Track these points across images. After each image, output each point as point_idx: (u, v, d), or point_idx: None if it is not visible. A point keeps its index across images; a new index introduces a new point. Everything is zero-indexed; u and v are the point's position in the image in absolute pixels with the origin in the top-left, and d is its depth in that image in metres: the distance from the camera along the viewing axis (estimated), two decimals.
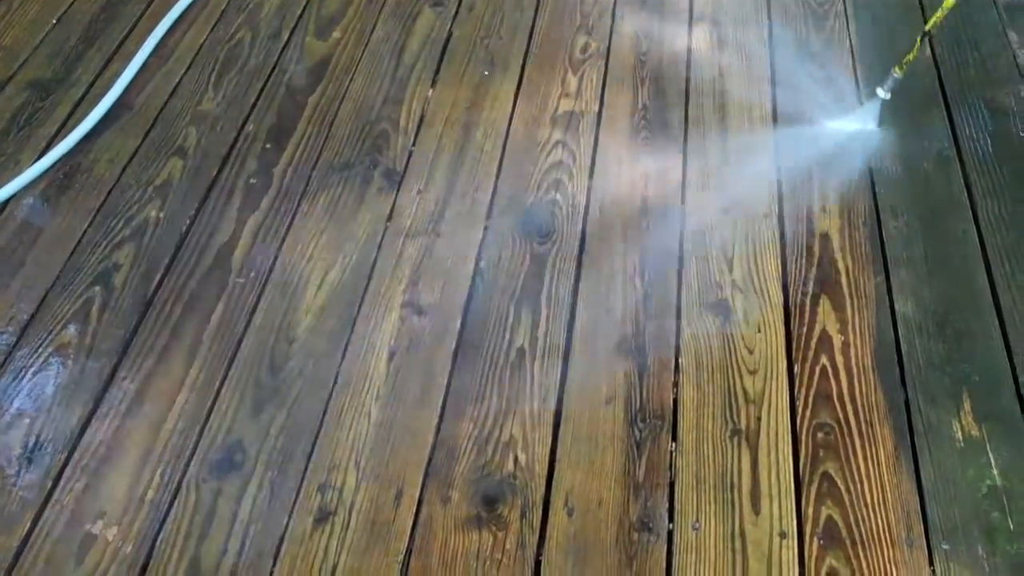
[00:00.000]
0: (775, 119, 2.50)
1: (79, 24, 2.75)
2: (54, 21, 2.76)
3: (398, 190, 2.31)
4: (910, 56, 2.30)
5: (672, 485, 1.80)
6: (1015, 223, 2.23)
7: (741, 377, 1.96)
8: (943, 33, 2.75)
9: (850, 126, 2.47)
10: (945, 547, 1.73)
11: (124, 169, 2.35)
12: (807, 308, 2.08)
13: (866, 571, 1.70)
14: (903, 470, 1.83)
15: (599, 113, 2.51)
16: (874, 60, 2.66)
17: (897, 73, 2.34)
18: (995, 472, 1.82)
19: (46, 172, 2.33)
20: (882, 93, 2.39)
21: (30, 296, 2.08)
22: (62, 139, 2.38)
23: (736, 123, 2.49)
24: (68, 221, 2.23)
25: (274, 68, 2.64)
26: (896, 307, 2.08)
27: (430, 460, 1.83)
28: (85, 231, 2.21)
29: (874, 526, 1.75)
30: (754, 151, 2.41)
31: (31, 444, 1.84)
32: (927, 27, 2.25)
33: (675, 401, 1.92)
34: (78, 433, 1.86)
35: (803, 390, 1.94)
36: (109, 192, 2.29)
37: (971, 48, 2.72)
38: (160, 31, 2.70)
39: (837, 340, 2.03)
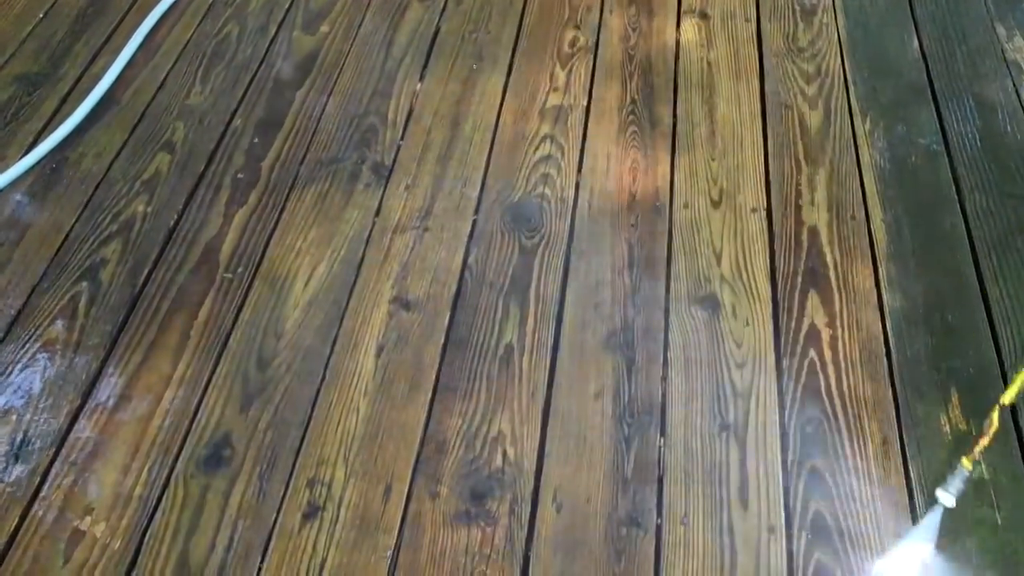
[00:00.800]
0: (764, 113, 2.49)
1: (66, 18, 2.74)
2: (41, 15, 2.74)
3: (386, 185, 2.31)
4: (985, 440, 1.79)
5: (661, 480, 1.80)
6: (1003, 217, 2.24)
7: (729, 371, 1.96)
8: (932, 27, 2.76)
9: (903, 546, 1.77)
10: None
11: (111, 164, 2.34)
12: (795, 302, 2.08)
13: (854, 565, 1.70)
14: (891, 464, 1.83)
15: (587, 107, 2.51)
16: (863, 56, 2.66)
17: (966, 466, 1.76)
18: (983, 466, 1.83)
19: (33, 167, 2.32)
20: (946, 500, 1.75)
21: (17, 292, 2.07)
22: (49, 134, 2.37)
23: (725, 117, 2.48)
24: (55, 216, 2.22)
25: (261, 62, 2.63)
26: (884, 301, 2.09)
27: (419, 455, 1.82)
28: (72, 226, 2.19)
29: (862, 520, 1.75)
30: (743, 144, 2.41)
31: (18, 440, 1.83)
32: (1005, 400, 1.84)
33: (663, 396, 1.92)
34: (66, 429, 1.85)
35: (791, 384, 1.94)
36: (96, 187, 2.28)
37: (959, 42, 2.72)
38: (147, 26, 2.69)
39: (825, 334, 2.03)
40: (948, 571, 1.71)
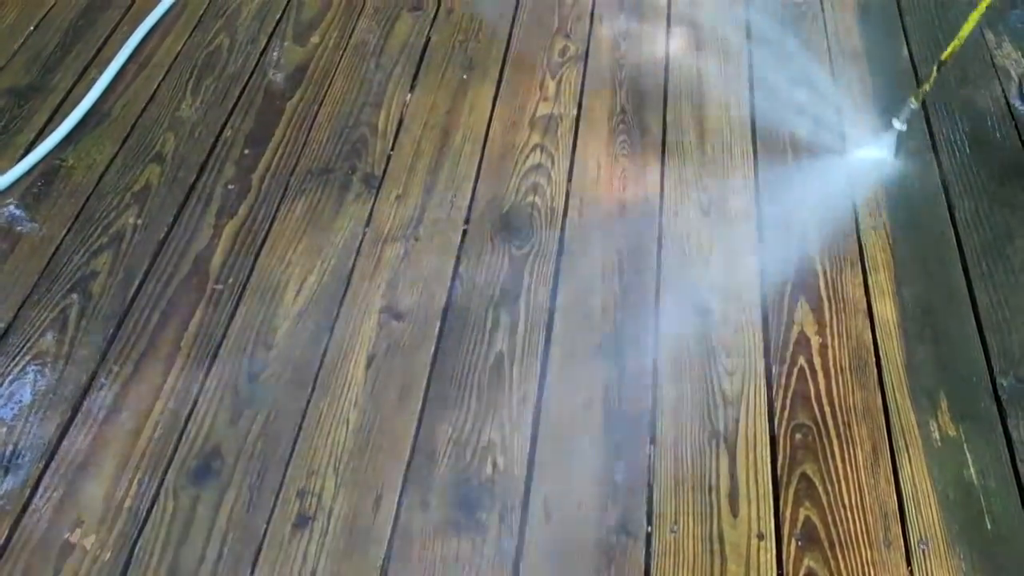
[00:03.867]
0: (753, 122, 2.50)
1: (57, 31, 2.74)
2: (32, 28, 2.75)
3: (377, 195, 2.31)
4: (926, 86, 2.26)
5: (650, 487, 1.80)
6: (992, 223, 2.25)
7: (719, 379, 1.97)
8: (920, 33, 2.77)
9: (864, 154, 2.42)
10: (923, 547, 1.73)
11: (102, 176, 2.34)
12: (785, 309, 2.09)
13: (844, 572, 1.70)
14: (881, 471, 1.83)
15: (577, 116, 2.52)
16: (852, 63, 2.67)
17: (914, 103, 2.29)
18: (972, 472, 1.83)
19: (23, 179, 2.32)
20: (898, 124, 2.33)
21: (7, 304, 2.07)
22: (40, 145, 2.37)
23: (714, 125, 2.49)
24: (46, 228, 2.22)
25: (252, 73, 2.64)
26: (874, 308, 2.09)
27: (409, 465, 1.83)
28: (63, 238, 2.20)
29: (852, 527, 1.76)
30: (733, 153, 2.42)
31: (8, 453, 1.83)
32: (943, 56, 2.19)
33: (653, 403, 1.93)
34: (56, 441, 1.85)
35: (781, 391, 1.95)
36: (87, 199, 2.28)
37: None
38: (137, 37, 2.69)
39: (815, 341, 2.03)
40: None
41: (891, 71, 2.62)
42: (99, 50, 2.69)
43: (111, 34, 2.74)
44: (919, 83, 2.40)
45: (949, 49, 2.15)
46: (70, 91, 2.56)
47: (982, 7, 2.02)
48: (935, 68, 2.20)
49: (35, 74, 2.61)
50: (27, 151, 2.38)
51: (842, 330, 2.05)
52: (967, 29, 2.11)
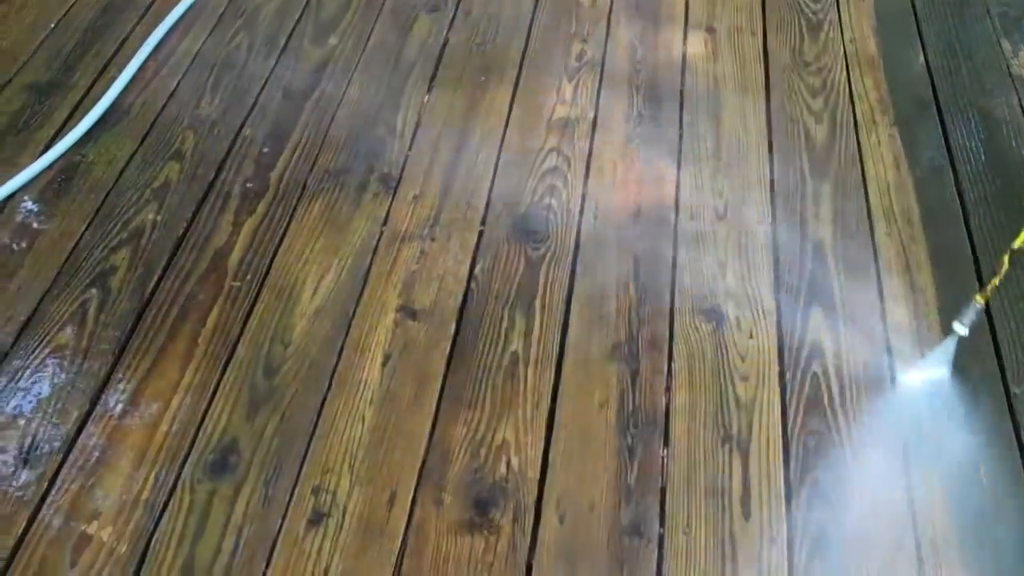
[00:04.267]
0: (769, 125, 2.51)
1: (77, 28, 2.76)
2: (52, 25, 2.76)
3: (394, 195, 2.32)
4: (995, 280, 1.86)
5: (663, 490, 1.81)
6: (1007, 231, 2.24)
7: (733, 383, 1.97)
8: (937, 41, 2.78)
9: (920, 373, 2.01)
10: (934, 556, 1.74)
11: (122, 172, 2.36)
12: (799, 315, 2.09)
13: None
14: (894, 477, 1.84)
15: (594, 120, 2.53)
16: (869, 70, 2.69)
17: (979, 302, 1.88)
18: (984, 481, 1.84)
19: (44, 174, 2.34)
20: (960, 329, 1.90)
21: (27, 298, 2.08)
22: (60, 142, 2.39)
23: (731, 130, 2.50)
24: (66, 223, 2.23)
25: (271, 73, 2.65)
26: (888, 314, 2.10)
27: (424, 463, 1.84)
28: (83, 234, 2.21)
29: (863, 534, 1.76)
30: (749, 159, 2.42)
31: (27, 445, 1.84)
32: (1016, 244, 1.84)
33: (667, 406, 1.94)
34: (74, 434, 1.86)
35: (794, 397, 1.96)
36: (107, 195, 2.30)
37: (965, 57, 2.74)
38: (157, 36, 2.71)
39: (829, 348, 2.04)
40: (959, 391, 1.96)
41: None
42: (119, 48, 2.70)
43: (131, 32, 2.75)
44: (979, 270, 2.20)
45: (1021, 237, 1.84)
46: (90, 88, 2.58)
47: None
48: (1006, 258, 1.84)
49: (55, 71, 2.63)
50: (47, 147, 2.40)
51: (856, 337, 2.06)
52: None
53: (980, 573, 1.72)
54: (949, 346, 1.94)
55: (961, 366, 1.98)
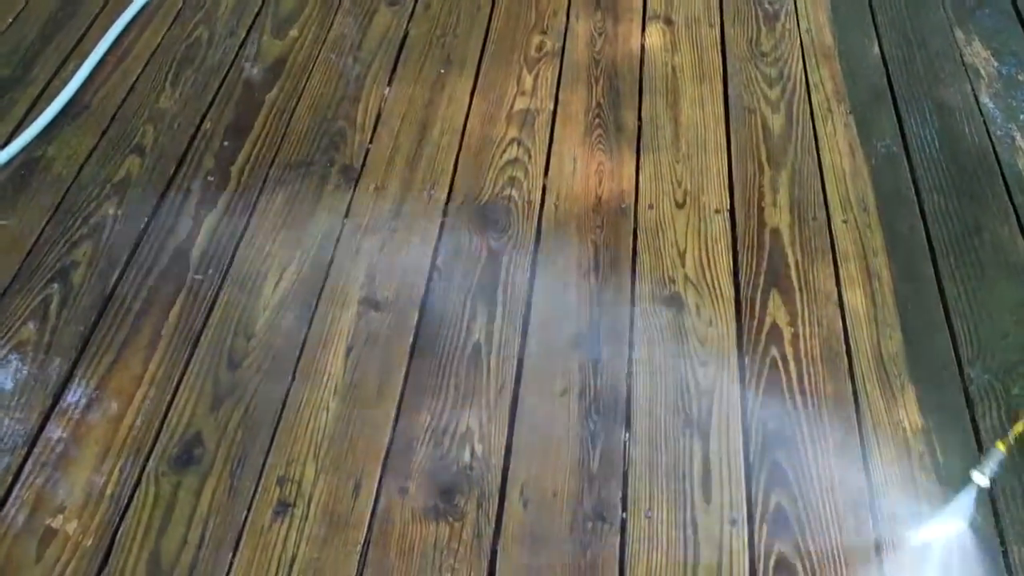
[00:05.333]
0: (727, 115, 2.54)
1: (36, 23, 2.75)
2: (11, 20, 2.75)
3: (355, 187, 2.33)
4: (1020, 426, 1.75)
5: (625, 475, 1.84)
6: (960, 217, 2.29)
7: (693, 369, 2.00)
8: (892, 31, 2.82)
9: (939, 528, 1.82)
10: (891, 534, 1.77)
11: (82, 167, 2.35)
12: (758, 301, 2.12)
13: (814, 557, 1.74)
14: (851, 459, 1.87)
15: (554, 111, 2.55)
16: (824, 60, 2.72)
17: (1000, 449, 1.73)
18: (941, 460, 1.87)
19: (3, 170, 2.33)
20: (980, 479, 1.73)
21: None
22: (19, 137, 2.38)
23: (689, 120, 2.53)
24: (26, 219, 2.23)
25: (231, 66, 2.65)
26: (845, 300, 2.13)
27: (388, 452, 1.85)
28: (43, 229, 2.21)
29: (822, 513, 1.79)
30: (707, 148, 2.45)
31: None
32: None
33: (628, 393, 1.96)
34: (37, 429, 1.86)
35: (753, 381, 1.98)
36: (67, 190, 2.29)
37: (919, 46, 2.78)
38: (116, 29, 2.70)
39: (787, 332, 2.07)
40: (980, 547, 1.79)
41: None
42: (79, 42, 2.69)
43: (90, 26, 2.74)
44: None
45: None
46: (49, 82, 2.56)
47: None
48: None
49: (14, 66, 2.61)
50: (6, 143, 2.38)
51: (813, 321, 2.09)
52: None
53: None
54: (969, 497, 1.77)
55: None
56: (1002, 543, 1.80)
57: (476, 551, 1.73)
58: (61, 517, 1.74)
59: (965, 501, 1.77)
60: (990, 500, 1.84)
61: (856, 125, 2.53)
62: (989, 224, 2.30)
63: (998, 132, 2.52)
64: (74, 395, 1.92)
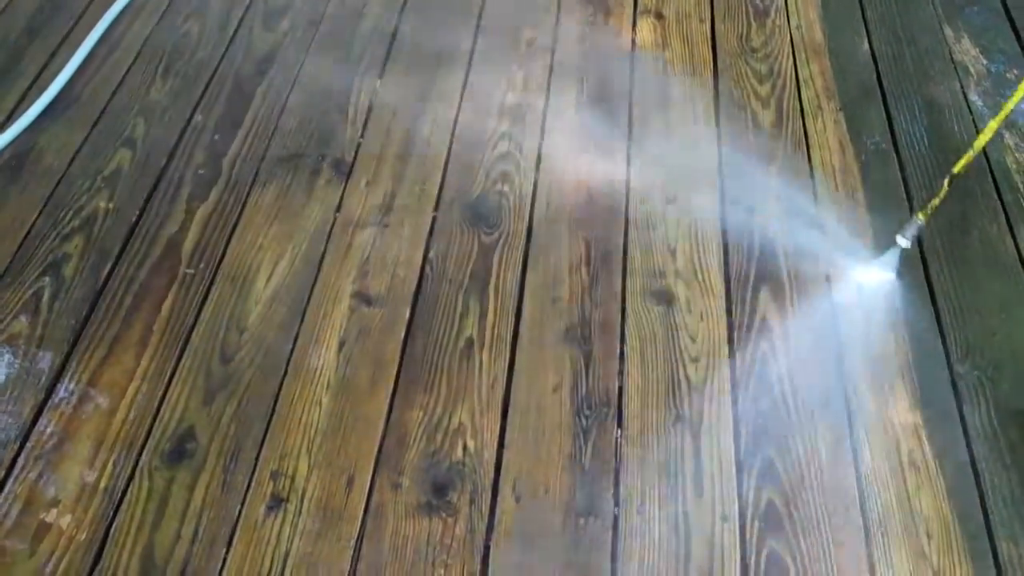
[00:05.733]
0: (717, 111, 2.55)
1: (23, 16, 2.74)
2: None
3: (347, 181, 2.33)
4: (935, 200, 2.04)
5: (617, 471, 1.84)
6: (949, 215, 2.30)
7: (684, 364, 2.01)
8: (882, 27, 2.83)
9: (864, 276, 2.21)
10: (882, 529, 1.78)
11: (72, 160, 2.35)
12: (748, 296, 2.13)
13: (805, 553, 1.75)
14: (841, 455, 1.88)
15: (545, 106, 2.55)
16: (814, 57, 2.73)
17: (920, 219, 2.08)
18: (930, 457, 1.89)
19: None
20: (903, 241, 2.12)
21: None
22: (8, 130, 2.38)
23: (680, 116, 2.53)
24: (17, 212, 2.22)
25: (222, 59, 2.65)
26: (835, 297, 2.14)
27: (381, 447, 1.86)
28: (34, 222, 2.20)
29: (813, 509, 1.80)
30: (697, 144, 2.46)
31: None
32: (955, 169, 1.99)
33: (620, 388, 1.97)
34: (30, 423, 1.86)
35: (744, 377, 1.99)
36: (58, 183, 2.29)
37: (908, 44, 2.79)
38: (105, 22, 2.69)
39: (777, 328, 2.08)
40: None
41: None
42: (68, 34, 2.69)
43: (79, 18, 2.74)
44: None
45: (963, 161, 1.98)
46: (39, 75, 2.56)
47: (1002, 115, 1.88)
48: (945, 182, 2.00)
49: (3, 58, 2.61)
50: None
51: (804, 317, 2.10)
52: (982, 140, 1.95)
53: None
54: (893, 256, 2.16)
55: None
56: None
57: (469, 546, 1.73)
58: (55, 511, 1.74)
59: (891, 258, 2.16)
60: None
61: (846, 121, 2.54)
62: (978, 221, 2.31)
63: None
64: (66, 389, 1.92)
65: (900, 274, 2.19)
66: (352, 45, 2.71)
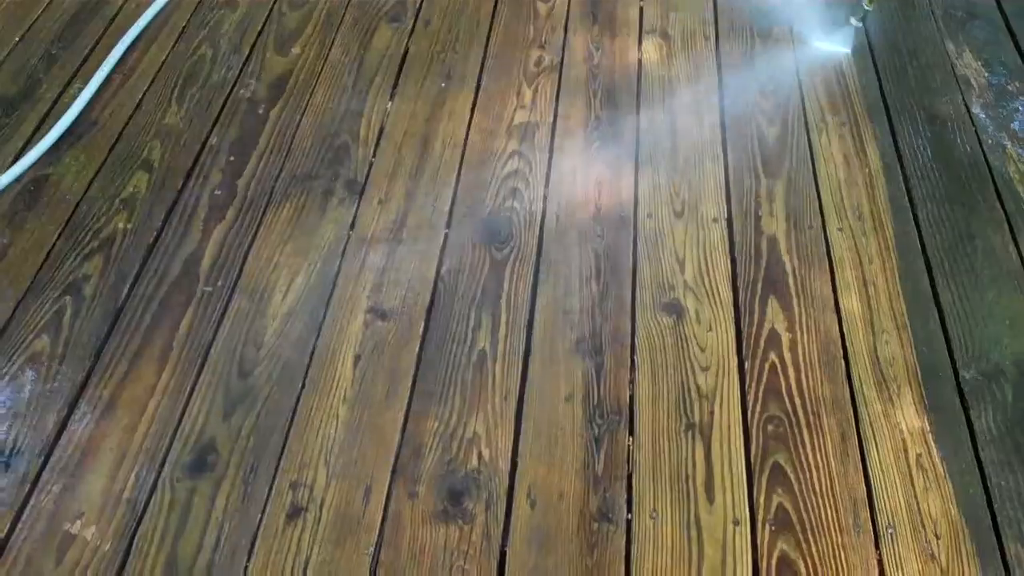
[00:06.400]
0: (723, 126, 2.59)
1: (42, 42, 2.80)
2: (17, 38, 2.80)
3: (360, 200, 2.38)
4: None
5: (630, 477, 1.88)
6: (953, 225, 2.34)
7: (694, 374, 2.04)
8: (884, 43, 2.87)
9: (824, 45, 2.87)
10: (891, 531, 1.81)
11: (91, 183, 2.39)
12: (756, 307, 2.17)
13: (816, 556, 1.78)
14: (850, 460, 1.91)
15: (553, 124, 2.60)
16: (818, 72, 2.77)
17: (868, 4, 2.80)
18: (937, 460, 1.92)
19: (13, 186, 2.37)
20: (855, 21, 2.82)
21: (1, 307, 2.12)
22: (28, 154, 2.43)
23: (686, 131, 2.57)
24: (37, 234, 2.27)
25: (236, 83, 2.70)
26: (841, 305, 2.18)
27: (397, 457, 1.89)
28: (54, 243, 2.25)
29: (823, 513, 1.84)
30: (703, 159, 2.50)
31: (8, 449, 1.88)
32: None
33: (631, 397, 2.00)
34: (54, 437, 1.90)
35: (753, 385, 2.03)
36: (77, 205, 2.34)
37: (911, 58, 2.83)
38: (121, 47, 2.75)
39: (785, 337, 2.11)
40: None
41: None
42: (84, 60, 2.74)
43: (96, 44, 2.79)
44: None
45: None
46: (57, 100, 2.61)
47: None
48: None
49: (22, 84, 2.66)
50: (16, 160, 2.43)
51: (811, 326, 2.13)
52: None
53: None
54: (848, 33, 2.84)
55: None
56: None
57: (486, 552, 1.77)
58: (79, 523, 1.78)
59: (847, 34, 2.85)
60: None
61: (850, 135, 2.58)
62: (982, 231, 2.35)
63: (989, 141, 2.57)
64: (88, 404, 1.96)
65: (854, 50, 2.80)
66: (363, 68, 2.76)
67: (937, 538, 1.81)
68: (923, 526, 1.83)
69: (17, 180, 2.39)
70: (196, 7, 2.95)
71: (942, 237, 2.32)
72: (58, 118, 2.54)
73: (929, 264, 2.27)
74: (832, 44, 2.87)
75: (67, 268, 2.20)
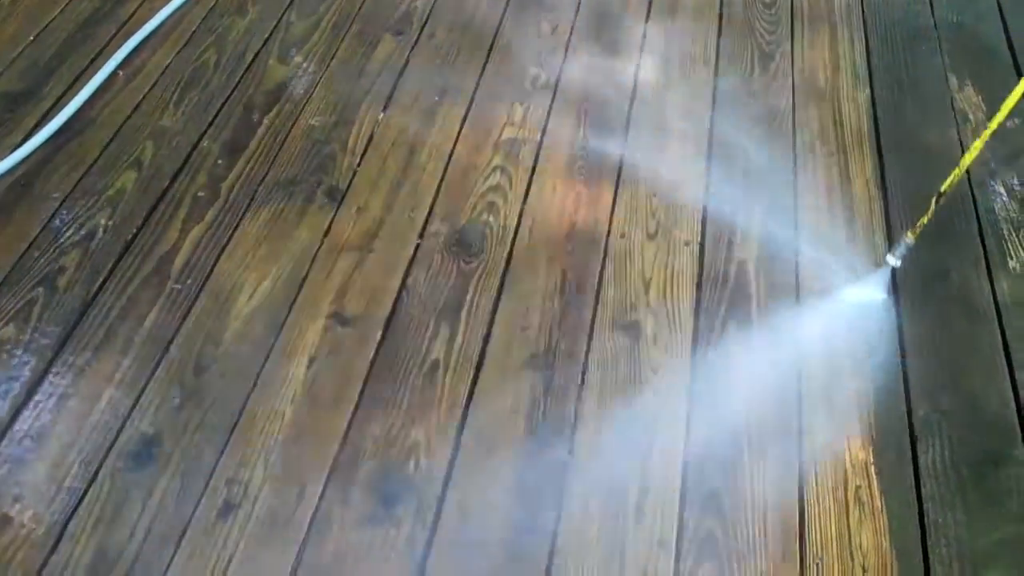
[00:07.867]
0: (710, 151, 2.60)
1: (55, 41, 2.87)
2: (31, 38, 2.88)
3: (338, 207, 2.42)
4: (924, 219, 2.12)
5: (561, 492, 1.89)
6: (929, 255, 2.31)
7: (642, 395, 2.05)
8: (886, 73, 2.86)
9: (859, 295, 2.28)
10: (817, 561, 1.81)
11: (81, 179, 2.46)
12: (716, 330, 2.17)
13: None
14: (788, 487, 1.91)
15: (540, 142, 2.62)
16: (815, 101, 2.77)
17: (909, 238, 2.16)
18: (872, 490, 1.91)
19: (6, 177, 2.45)
20: (892, 260, 2.21)
21: None
22: (24, 146, 2.50)
23: (672, 155, 2.59)
24: (21, 226, 2.33)
25: (235, 88, 2.75)
26: (801, 335, 2.17)
27: (335, 460, 1.92)
28: (36, 237, 2.31)
29: (751, 538, 1.83)
30: (685, 181, 2.50)
31: None
32: (943, 188, 2.07)
33: (575, 416, 2.01)
34: (7, 423, 1.96)
35: (700, 408, 2.03)
36: (64, 200, 2.40)
37: (911, 90, 2.82)
38: (126, 49, 2.82)
39: (742, 360, 2.12)
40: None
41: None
42: (92, 61, 2.81)
43: (105, 46, 2.86)
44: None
45: (949, 180, 2.05)
46: (60, 98, 2.68)
47: (987, 134, 1.96)
48: (933, 200, 2.09)
49: (29, 81, 2.74)
50: (12, 152, 2.50)
51: (769, 350, 2.13)
52: (968, 159, 2.02)
53: None
54: (884, 275, 2.25)
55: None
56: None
57: (406, 555, 1.79)
58: (18, 506, 1.83)
59: (883, 277, 2.25)
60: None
61: (837, 166, 2.57)
62: (958, 265, 2.33)
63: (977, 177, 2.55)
64: (44, 393, 2.01)
65: (890, 293, 2.27)
66: (361, 78, 2.80)
67: (864, 571, 1.80)
68: (851, 558, 1.82)
69: (9, 173, 2.46)
70: (207, 14, 3.01)
71: (915, 267, 2.28)
72: (58, 114, 2.61)
73: (897, 298, 2.25)
74: None
75: (45, 260, 2.26)
